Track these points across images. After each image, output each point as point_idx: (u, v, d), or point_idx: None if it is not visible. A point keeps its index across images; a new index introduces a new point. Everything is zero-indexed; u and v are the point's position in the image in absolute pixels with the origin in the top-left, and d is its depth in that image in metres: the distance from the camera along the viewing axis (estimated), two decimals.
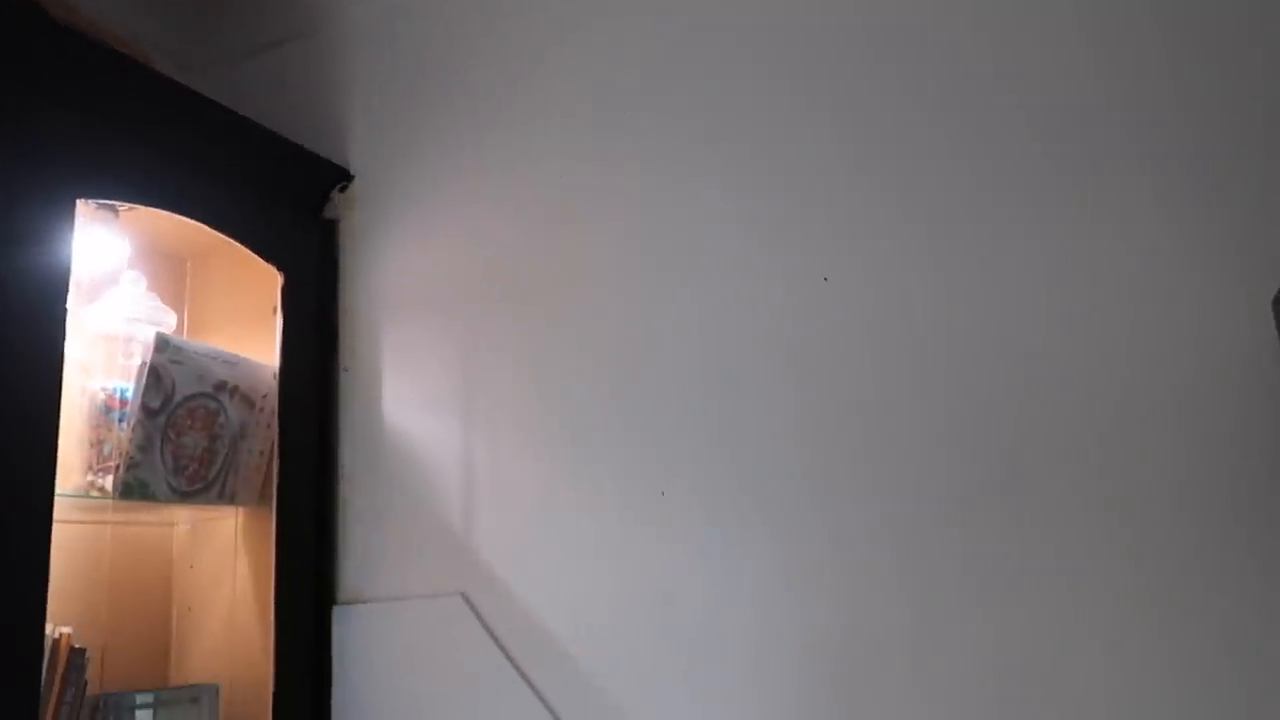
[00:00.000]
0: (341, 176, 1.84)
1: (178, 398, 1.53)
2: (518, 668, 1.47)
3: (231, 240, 1.64)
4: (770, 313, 1.41)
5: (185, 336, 1.78)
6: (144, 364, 1.49)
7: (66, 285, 1.32)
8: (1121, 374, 1.19)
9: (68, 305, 1.31)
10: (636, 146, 1.57)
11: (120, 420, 1.50)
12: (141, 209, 1.54)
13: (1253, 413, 1.11)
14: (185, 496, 1.55)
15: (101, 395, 1.52)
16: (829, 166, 1.41)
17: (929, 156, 1.35)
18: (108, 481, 1.47)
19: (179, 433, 1.53)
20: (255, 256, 1.68)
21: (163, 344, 1.51)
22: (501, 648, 1.49)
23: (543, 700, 1.44)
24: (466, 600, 1.54)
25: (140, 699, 1.57)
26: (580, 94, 1.64)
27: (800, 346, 1.38)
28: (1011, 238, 1.28)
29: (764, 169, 1.46)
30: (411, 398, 1.68)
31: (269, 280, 1.72)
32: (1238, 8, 1.20)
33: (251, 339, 1.74)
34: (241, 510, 1.71)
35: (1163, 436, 1.16)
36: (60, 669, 1.34)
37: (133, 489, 1.46)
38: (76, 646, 1.37)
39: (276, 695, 1.55)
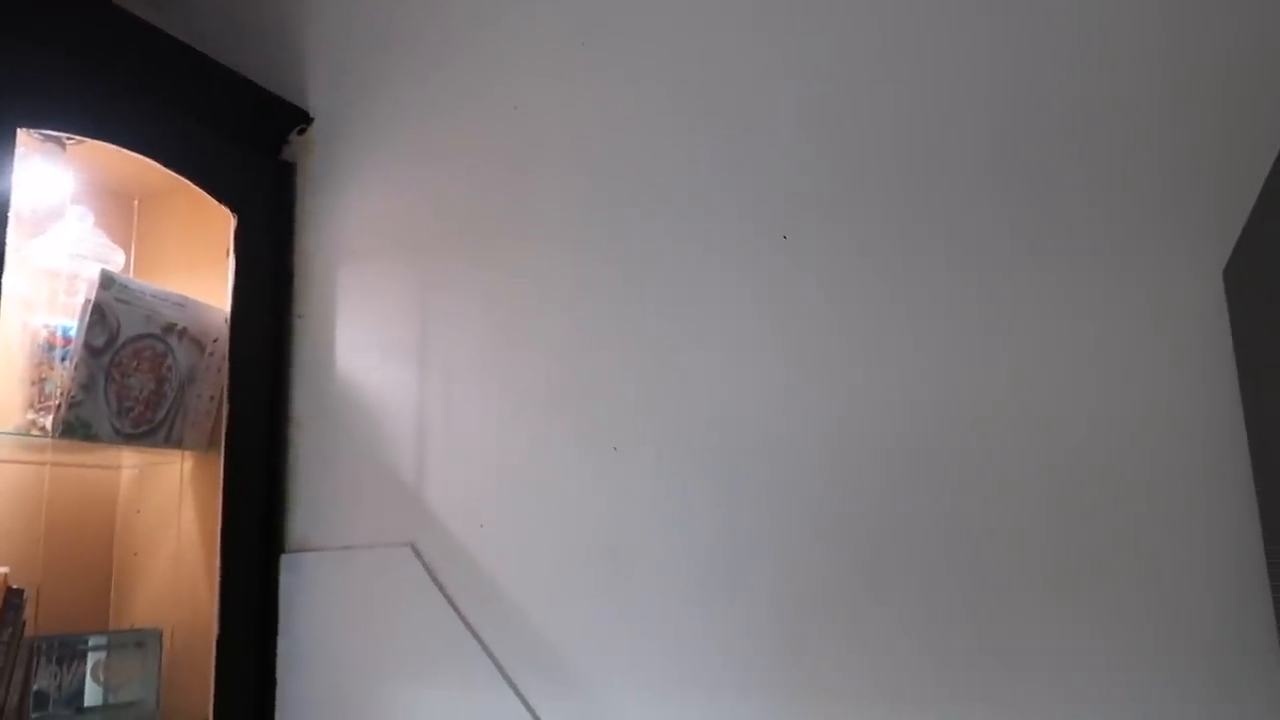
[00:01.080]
0: (300, 118, 1.80)
1: (123, 338, 1.49)
2: (464, 620, 1.47)
3: (183, 179, 1.59)
4: (732, 261, 1.39)
5: (133, 277, 1.74)
6: (88, 301, 1.46)
7: (4, 217, 1.27)
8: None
9: (6, 238, 1.27)
10: (601, 94, 1.54)
11: (63, 359, 1.46)
12: (89, 143, 1.50)
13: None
14: (129, 438, 1.52)
15: (44, 332, 1.48)
16: (794, 101, 1.40)
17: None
18: (49, 420, 1.44)
19: (124, 373, 1.50)
20: (208, 197, 1.63)
21: (108, 281, 1.47)
22: (448, 599, 1.49)
23: (489, 653, 1.44)
24: (415, 551, 1.53)
25: (93, 641, 1.55)
26: (543, 41, 1.60)
27: (758, 298, 1.37)
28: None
29: (728, 125, 1.44)
30: (366, 345, 1.66)
31: (221, 222, 1.68)
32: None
33: (202, 282, 1.71)
34: (189, 455, 1.69)
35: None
36: None
37: (74, 428, 1.43)
38: (14, 587, 1.35)
39: (221, 641, 1.53)
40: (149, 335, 1.53)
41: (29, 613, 1.37)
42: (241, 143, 1.72)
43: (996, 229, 1.25)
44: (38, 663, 1.43)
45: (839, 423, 1.29)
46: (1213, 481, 1.10)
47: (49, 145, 1.54)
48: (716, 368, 1.38)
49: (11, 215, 1.29)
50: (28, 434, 1.45)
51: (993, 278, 1.24)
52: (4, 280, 1.26)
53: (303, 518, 1.65)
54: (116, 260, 1.62)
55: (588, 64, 1.56)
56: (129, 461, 1.76)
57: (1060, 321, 1.20)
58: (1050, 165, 1.23)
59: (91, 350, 1.45)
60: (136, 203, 1.84)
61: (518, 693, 1.42)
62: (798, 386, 1.32)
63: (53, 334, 1.47)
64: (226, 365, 1.62)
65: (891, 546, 1.24)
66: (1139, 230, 1.17)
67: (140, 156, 1.52)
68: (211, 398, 1.65)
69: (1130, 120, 1.20)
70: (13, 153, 1.31)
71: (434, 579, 1.51)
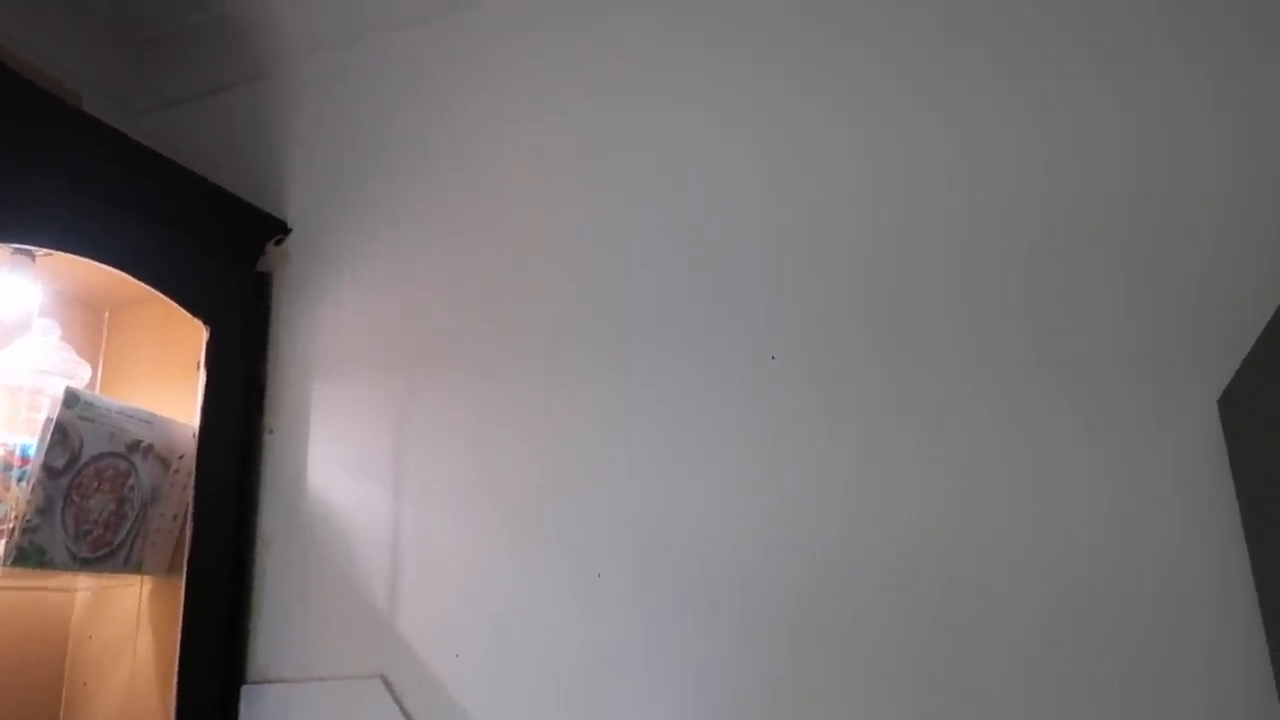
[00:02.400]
0: (277, 228, 1.78)
1: (85, 457, 1.43)
2: None
3: (155, 291, 1.56)
4: (718, 382, 1.37)
5: (100, 391, 1.69)
6: (50, 420, 1.39)
7: None
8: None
9: None
10: (584, 213, 1.54)
11: (20, 479, 1.39)
12: (60, 254, 1.46)
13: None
14: (86, 564, 1.44)
15: (1, 451, 1.41)
16: (781, 217, 1.39)
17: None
18: (0, 545, 1.36)
19: (84, 495, 1.43)
20: (180, 309, 1.59)
21: (72, 399, 1.41)
22: None
23: None
24: (386, 683, 1.45)
25: None
26: (526, 158, 1.61)
27: (745, 419, 1.34)
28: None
29: (714, 246, 1.43)
30: (338, 463, 1.60)
31: (194, 334, 1.63)
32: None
33: (172, 396, 1.65)
34: (148, 579, 1.60)
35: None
36: None
37: (27, 555, 1.35)
38: None
39: None
40: (112, 454, 1.47)
41: None
42: (217, 253, 1.69)
43: (989, 356, 1.23)
44: None
45: (830, 552, 1.25)
46: (1216, 612, 1.07)
47: (18, 257, 1.50)
48: (702, 493, 1.34)
49: None
50: None
51: (986, 405, 1.22)
52: None
53: (266, 646, 1.56)
54: (83, 375, 1.56)
55: (571, 182, 1.56)
56: (83, 584, 1.67)
57: (1056, 449, 1.18)
58: (1044, 292, 1.23)
59: (50, 471, 1.38)
60: (107, 314, 1.80)
61: None
62: (786, 513, 1.29)
63: (10, 453, 1.41)
64: (192, 483, 1.56)
65: (884, 680, 1.19)
66: (1134, 358, 1.16)
67: (109, 268, 1.49)
68: (175, 517, 1.58)
69: (1123, 252, 1.20)
70: None
71: (405, 713, 1.42)
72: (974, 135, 1.31)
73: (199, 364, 1.62)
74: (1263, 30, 1.19)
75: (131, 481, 1.50)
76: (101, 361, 1.75)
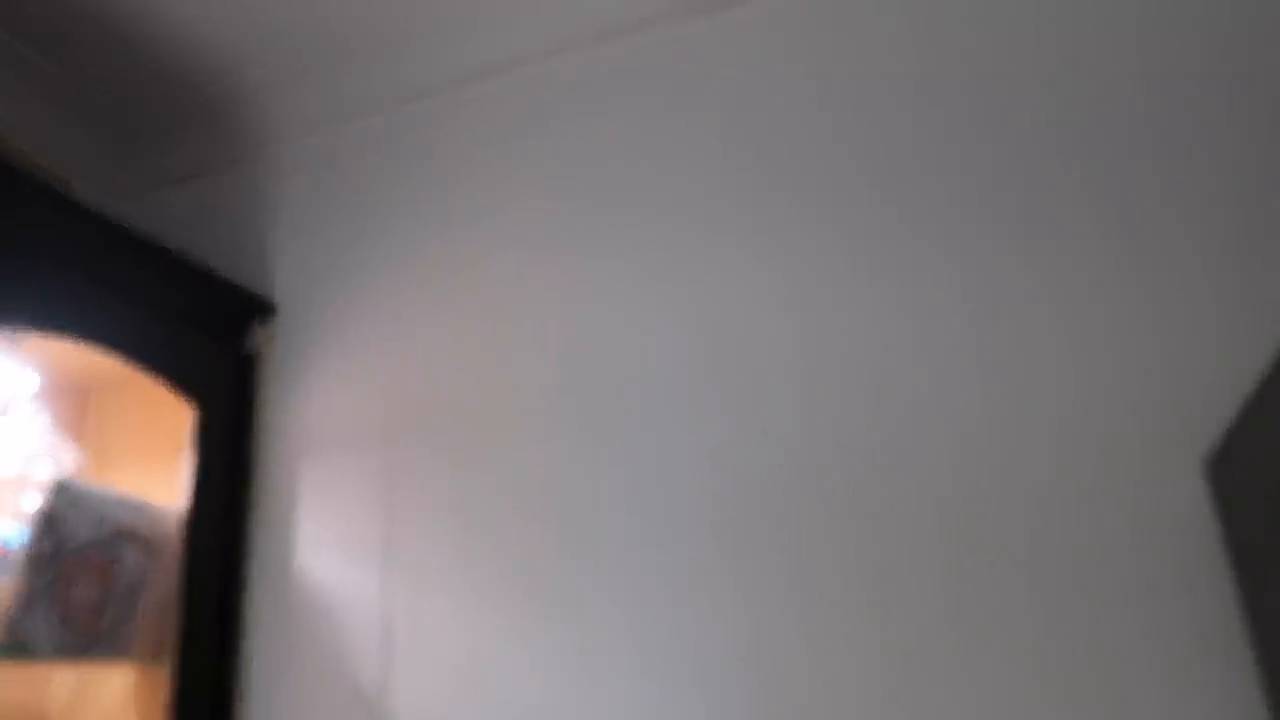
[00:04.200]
0: (264, 309, 1.78)
1: (71, 545, 1.41)
2: None
3: (142, 372, 1.55)
4: (708, 463, 1.38)
5: (86, 473, 1.67)
6: (37, 510, 1.38)
7: None
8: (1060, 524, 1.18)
9: None
10: (567, 290, 1.55)
11: (3, 570, 1.37)
12: (44, 336, 1.45)
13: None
14: (71, 654, 1.41)
15: None
16: (772, 303, 1.41)
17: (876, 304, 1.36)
18: None
19: (69, 584, 1.41)
20: (166, 390, 1.59)
21: (59, 489, 1.40)
22: None
23: None
24: None
25: None
26: (511, 239, 1.62)
27: (737, 499, 1.34)
28: (957, 378, 1.28)
29: (707, 325, 1.45)
30: (328, 544, 1.58)
31: (180, 415, 1.62)
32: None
33: (158, 477, 1.64)
34: (134, 667, 1.57)
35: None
36: None
37: (10, 649, 1.33)
38: None
39: None
40: (99, 542, 1.45)
41: None
42: (204, 334, 1.69)
43: (975, 426, 1.25)
44: None
45: (829, 639, 1.25)
46: (1212, 671, 1.07)
47: (4, 341, 1.49)
48: (700, 573, 1.33)
49: None
50: None
51: (983, 480, 1.23)
52: None
53: None
54: (70, 460, 1.55)
55: (565, 261, 1.57)
56: (67, 673, 1.64)
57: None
58: (1030, 356, 1.25)
59: (36, 562, 1.36)
60: (93, 395, 1.79)
61: None
62: (782, 594, 1.28)
63: None
64: (178, 569, 1.54)
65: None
66: (1120, 421, 1.18)
67: (96, 349, 1.48)
68: (161, 603, 1.55)
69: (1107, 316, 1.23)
70: None
71: None
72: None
73: (185, 444, 1.60)
74: None
75: (118, 569, 1.48)
76: (86, 442, 1.74)
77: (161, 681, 1.51)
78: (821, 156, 1.45)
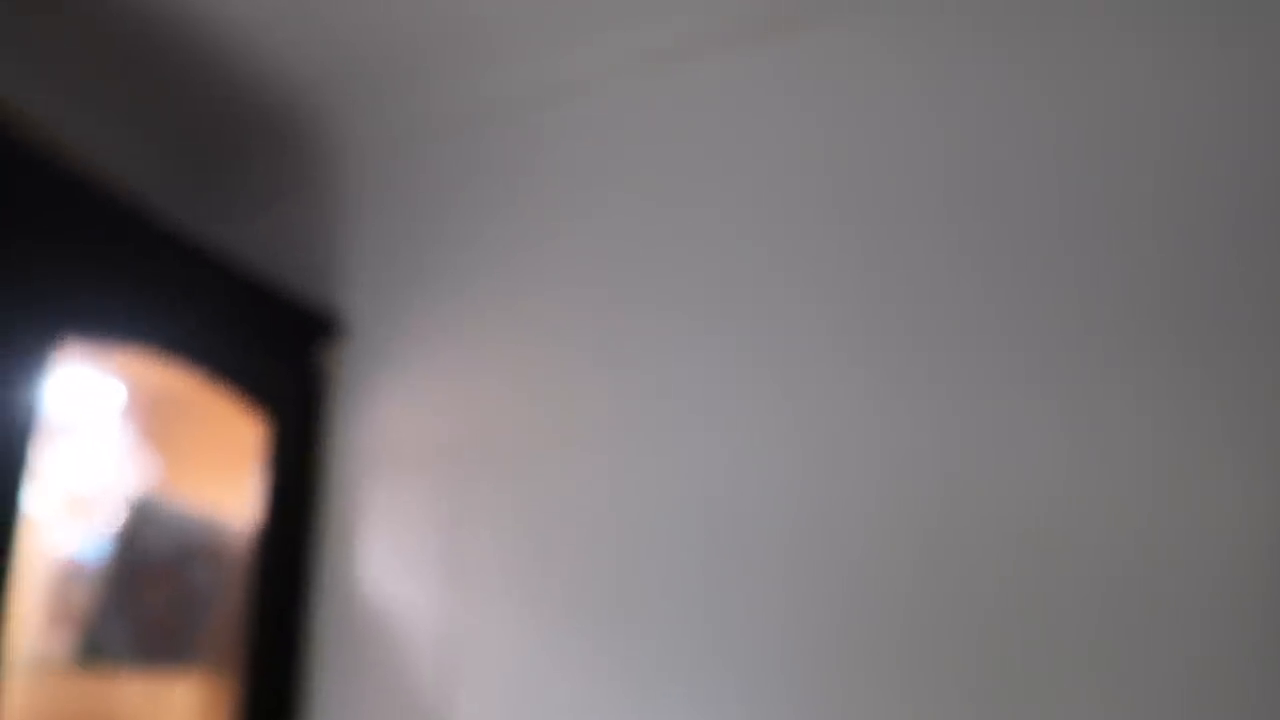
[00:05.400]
0: (335, 327, 1.82)
1: (146, 559, 1.46)
2: None
3: (216, 386, 1.59)
4: (777, 488, 1.37)
5: (159, 487, 1.72)
6: (120, 527, 1.43)
7: (33, 432, 1.26)
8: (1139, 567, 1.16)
9: (31, 453, 1.25)
10: (636, 315, 1.56)
11: (82, 580, 1.42)
12: (123, 350, 1.50)
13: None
14: (144, 661, 1.46)
15: (66, 552, 1.44)
16: (835, 338, 1.41)
17: (939, 335, 1.35)
18: (65, 645, 1.38)
19: (143, 595, 1.45)
20: (237, 405, 1.63)
21: (137, 505, 1.45)
22: None
23: None
24: None
25: None
26: (582, 261, 1.64)
27: (806, 529, 1.34)
28: (1028, 425, 1.26)
29: (770, 335, 1.45)
30: (393, 562, 1.61)
31: (249, 430, 1.67)
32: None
33: (227, 491, 1.68)
34: (202, 677, 1.61)
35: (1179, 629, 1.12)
36: None
37: (89, 653, 1.37)
38: None
39: None
40: (172, 557, 1.49)
41: None
42: (275, 352, 1.73)
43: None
44: None
45: (893, 652, 1.24)
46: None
47: (91, 355, 1.55)
48: (762, 592, 1.33)
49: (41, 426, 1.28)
50: (44, 661, 1.39)
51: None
52: (29, 496, 1.23)
53: None
54: (147, 474, 1.59)
55: (630, 282, 1.59)
56: (136, 682, 1.68)
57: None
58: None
59: (113, 574, 1.41)
60: (168, 410, 1.84)
61: None
62: (850, 606, 1.28)
63: (76, 555, 1.44)
64: (246, 583, 1.57)
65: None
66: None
67: (172, 363, 1.53)
68: (229, 616, 1.59)
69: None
70: (49, 365, 1.31)
71: None
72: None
73: (255, 461, 1.64)
74: None
75: (189, 582, 1.52)
76: (161, 458, 1.78)
77: (228, 692, 1.54)
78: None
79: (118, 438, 1.60)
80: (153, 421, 1.82)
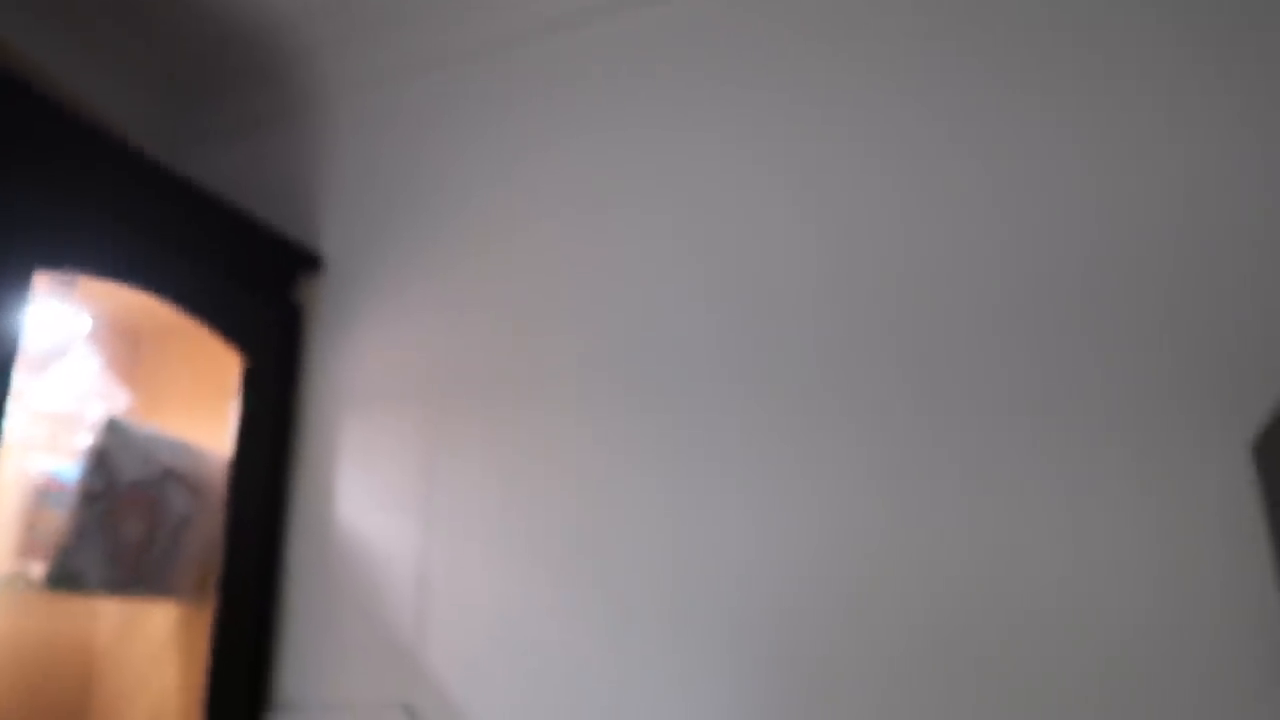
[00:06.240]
0: (312, 262, 1.81)
1: (121, 483, 1.46)
2: None
3: (192, 320, 1.59)
4: (747, 420, 1.39)
5: (136, 417, 1.71)
6: (89, 447, 1.42)
7: (12, 359, 1.26)
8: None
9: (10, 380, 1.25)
10: (613, 250, 1.56)
11: (57, 505, 1.42)
12: (99, 281, 1.49)
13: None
14: (119, 588, 1.46)
15: (40, 476, 1.44)
16: (811, 264, 1.42)
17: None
18: (38, 569, 1.38)
19: (119, 520, 1.45)
20: (214, 338, 1.63)
21: (111, 427, 1.44)
22: None
23: None
24: (410, 714, 1.46)
25: None
26: (559, 197, 1.64)
27: (776, 461, 1.35)
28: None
29: (740, 284, 1.46)
30: (368, 495, 1.62)
31: (227, 363, 1.67)
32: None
33: (205, 423, 1.68)
34: (177, 605, 1.62)
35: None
36: None
37: (64, 579, 1.38)
38: None
39: None
40: (147, 481, 1.49)
41: None
42: (252, 285, 1.72)
43: (1028, 397, 1.25)
44: None
45: (865, 597, 1.26)
46: (1248, 666, 1.07)
47: (60, 285, 1.54)
48: (736, 533, 1.35)
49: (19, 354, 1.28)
50: (16, 585, 1.39)
51: (1009, 457, 1.23)
52: (5, 422, 1.24)
53: (292, 674, 1.58)
54: (120, 402, 1.59)
55: (606, 218, 1.59)
56: (112, 608, 1.70)
57: (1081, 500, 1.19)
58: (1081, 337, 1.24)
59: (88, 497, 1.41)
60: (143, 340, 1.83)
61: None
62: (822, 555, 1.30)
63: (50, 479, 1.44)
64: (223, 512, 1.58)
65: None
66: (1161, 407, 1.18)
67: (149, 295, 1.52)
68: (205, 544, 1.60)
69: (1158, 295, 1.22)
70: (29, 295, 1.30)
71: None
72: (1013, 170, 1.34)
73: (232, 393, 1.64)
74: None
75: (165, 508, 1.53)
76: (136, 387, 1.79)
77: (203, 620, 1.55)
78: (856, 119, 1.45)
79: (95, 366, 1.59)
80: (131, 352, 1.81)
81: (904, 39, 1.45)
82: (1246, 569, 1.09)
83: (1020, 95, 1.36)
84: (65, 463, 1.46)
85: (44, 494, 1.43)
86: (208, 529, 1.60)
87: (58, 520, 1.40)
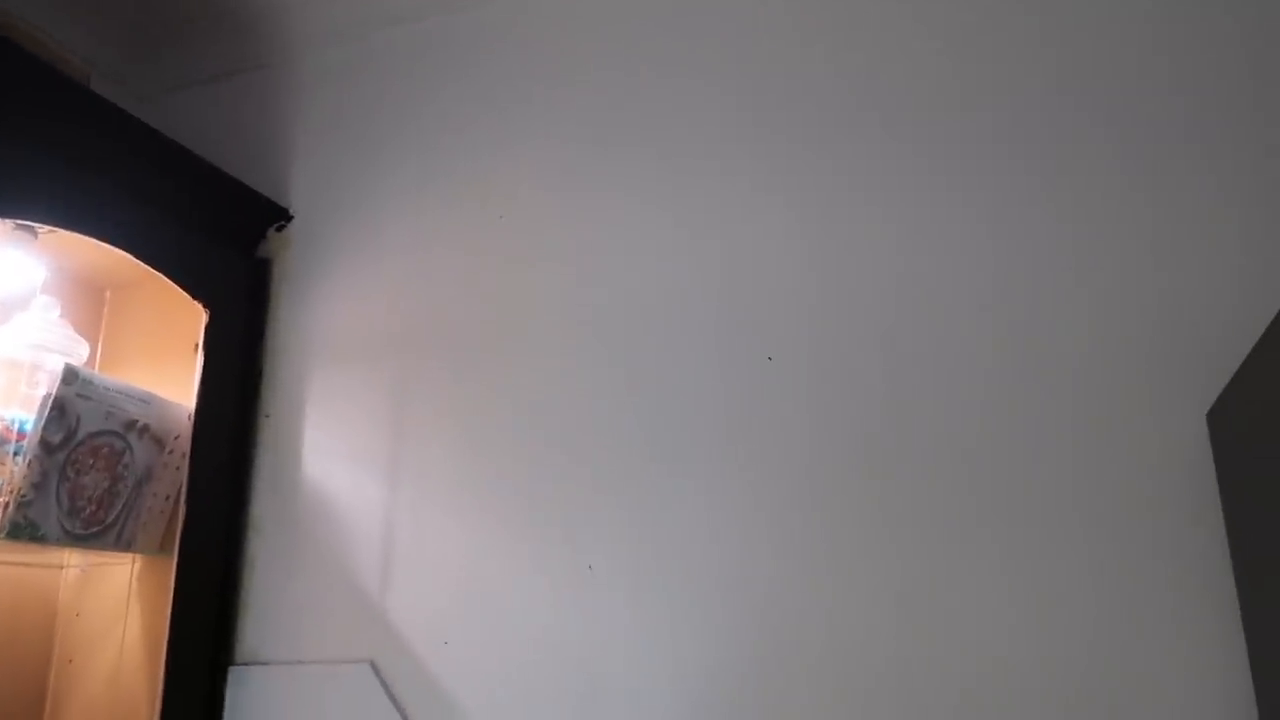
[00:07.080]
0: (279, 215, 1.79)
1: (81, 434, 1.44)
2: None
3: (156, 273, 1.56)
4: (714, 387, 1.39)
5: (98, 370, 1.69)
6: (48, 395, 1.40)
7: None
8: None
9: None
10: (584, 206, 1.55)
11: (15, 454, 1.40)
12: (62, 232, 1.46)
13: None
14: (79, 540, 1.45)
15: None
16: (780, 229, 1.41)
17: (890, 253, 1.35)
18: None
19: (79, 471, 1.43)
20: (180, 291, 1.60)
21: (70, 376, 1.42)
22: None
23: None
24: (375, 669, 1.46)
25: None
26: (528, 158, 1.62)
27: (741, 424, 1.35)
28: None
29: (719, 240, 1.45)
30: (334, 451, 1.61)
31: (193, 317, 1.64)
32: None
33: (169, 377, 1.66)
34: (139, 557, 1.61)
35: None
36: None
37: (21, 529, 1.36)
38: None
39: None
40: (108, 432, 1.47)
41: None
42: (218, 238, 1.70)
43: (986, 360, 1.25)
44: None
45: (828, 553, 1.26)
46: (1202, 640, 1.08)
47: (20, 233, 1.50)
48: (699, 489, 1.35)
49: None
50: None
51: (978, 434, 1.24)
52: None
53: (255, 628, 1.57)
54: (81, 352, 1.57)
55: (577, 178, 1.57)
56: (73, 561, 1.68)
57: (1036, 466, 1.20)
58: (1029, 315, 1.24)
59: (47, 447, 1.39)
60: (107, 294, 1.80)
61: None
62: (781, 511, 1.30)
63: (7, 427, 1.41)
64: (186, 464, 1.57)
65: (884, 685, 1.20)
66: (1123, 375, 1.18)
67: (113, 248, 1.49)
68: (168, 498, 1.59)
69: (1113, 272, 1.22)
70: None
71: (393, 699, 1.43)
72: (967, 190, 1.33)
73: (197, 346, 1.62)
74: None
75: (126, 460, 1.51)
76: (100, 340, 1.76)
77: (166, 574, 1.54)
78: (833, 88, 1.43)
79: (55, 316, 1.56)
80: (93, 305, 1.78)
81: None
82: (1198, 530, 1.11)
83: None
84: (24, 413, 1.44)
85: (2, 443, 1.40)
86: (171, 482, 1.58)
87: (16, 470, 1.38)
